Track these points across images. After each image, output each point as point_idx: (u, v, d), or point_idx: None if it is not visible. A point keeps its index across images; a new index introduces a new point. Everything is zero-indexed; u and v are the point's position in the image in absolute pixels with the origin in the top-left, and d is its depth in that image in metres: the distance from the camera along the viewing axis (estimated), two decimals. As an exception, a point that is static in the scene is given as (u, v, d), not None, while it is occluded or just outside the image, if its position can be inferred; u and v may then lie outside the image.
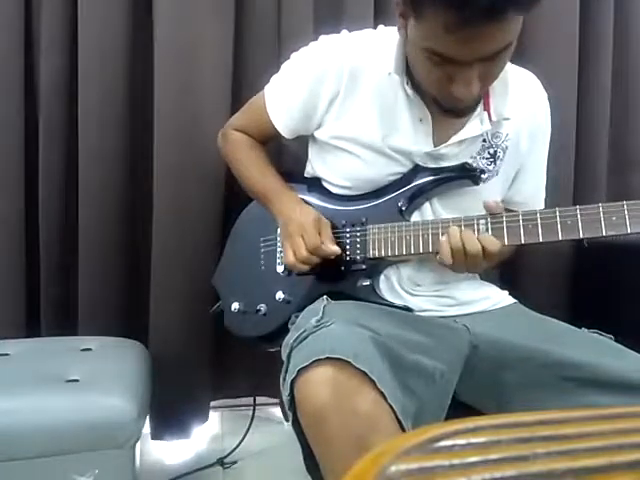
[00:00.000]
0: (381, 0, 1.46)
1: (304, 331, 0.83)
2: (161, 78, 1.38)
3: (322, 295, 0.99)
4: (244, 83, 1.46)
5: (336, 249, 1.01)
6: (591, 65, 1.58)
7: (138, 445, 1.09)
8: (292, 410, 0.78)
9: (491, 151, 1.03)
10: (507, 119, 1.02)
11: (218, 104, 1.43)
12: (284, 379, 0.81)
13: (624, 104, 1.64)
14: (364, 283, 1.02)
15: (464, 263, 0.91)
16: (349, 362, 0.73)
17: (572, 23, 1.54)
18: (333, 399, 0.71)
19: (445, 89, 0.90)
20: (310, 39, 1.07)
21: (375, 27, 1.07)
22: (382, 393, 0.73)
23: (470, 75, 0.85)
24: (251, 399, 1.46)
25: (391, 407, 0.74)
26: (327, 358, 0.73)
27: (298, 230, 1.01)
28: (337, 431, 0.71)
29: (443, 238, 0.93)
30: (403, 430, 0.74)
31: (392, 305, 1.01)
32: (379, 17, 1.45)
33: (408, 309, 1.01)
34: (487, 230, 0.92)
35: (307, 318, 0.89)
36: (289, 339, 0.86)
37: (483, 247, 0.89)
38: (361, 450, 0.69)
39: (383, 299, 1.02)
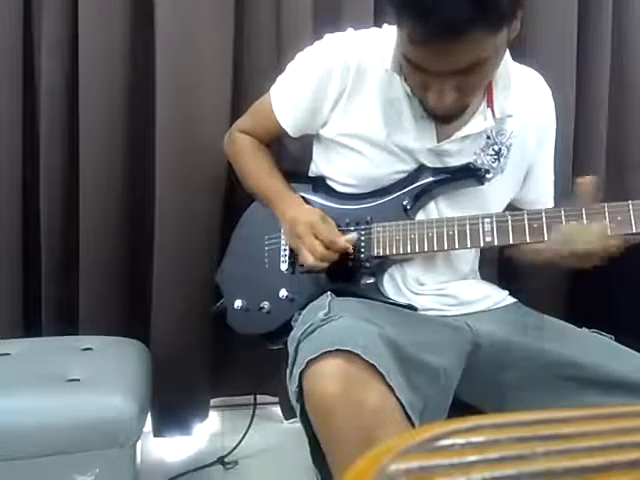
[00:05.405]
0: (380, 2, 1.46)
1: (312, 324, 0.83)
2: (161, 79, 1.38)
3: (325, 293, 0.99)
4: (244, 83, 1.46)
5: (352, 237, 1.01)
6: (589, 66, 1.57)
7: (139, 444, 1.10)
8: (300, 402, 0.78)
9: (495, 148, 1.04)
10: (510, 116, 1.02)
11: (218, 104, 1.42)
12: (291, 372, 0.82)
13: (623, 107, 1.63)
14: (368, 281, 1.03)
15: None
16: (358, 355, 0.73)
17: (570, 24, 1.54)
18: (342, 391, 0.72)
19: (423, 95, 0.92)
20: (310, 39, 1.08)
21: (375, 26, 1.07)
22: (390, 387, 0.74)
23: (442, 86, 0.87)
24: (252, 398, 1.46)
25: (399, 401, 0.74)
26: (337, 350, 0.74)
27: (308, 230, 1.00)
28: (345, 423, 0.71)
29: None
30: (412, 424, 0.75)
31: (396, 303, 1.01)
32: (379, 17, 1.44)
33: (412, 307, 1.01)
34: (492, 229, 0.91)
35: (313, 312, 0.90)
36: (296, 333, 0.86)
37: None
38: (369, 443, 0.70)
39: (387, 297, 1.02)
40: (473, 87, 0.91)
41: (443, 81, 0.86)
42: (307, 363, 0.75)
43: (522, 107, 1.03)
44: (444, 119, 0.98)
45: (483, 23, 0.78)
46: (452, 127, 1.00)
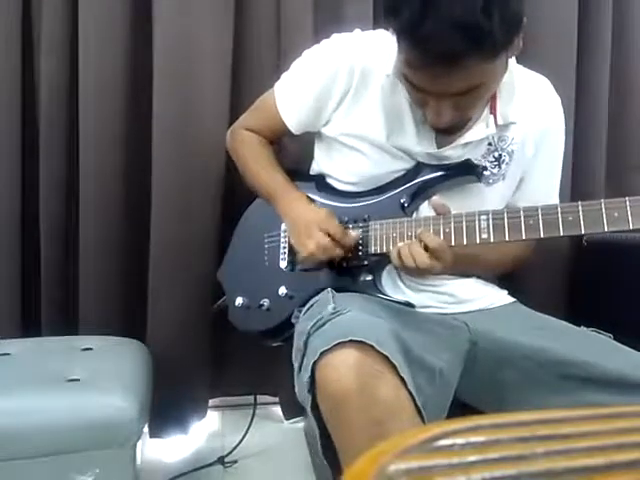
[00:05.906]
0: (380, 2, 1.46)
1: (321, 318, 0.84)
2: (160, 78, 1.38)
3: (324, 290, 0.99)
4: (243, 84, 1.46)
5: (357, 233, 1.02)
6: (589, 67, 1.57)
7: (139, 444, 1.10)
8: (311, 393, 0.78)
9: (496, 154, 1.03)
10: (513, 123, 1.02)
11: (217, 104, 1.42)
12: (300, 364, 0.82)
13: (622, 107, 1.63)
14: (366, 278, 1.03)
15: (412, 264, 0.90)
16: (371, 346, 0.73)
17: (570, 24, 1.54)
18: (356, 382, 0.72)
19: (422, 110, 0.94)
20: (310, 39, 1.08)
21: (374, 27, 1.07)
22: (402, 379, 0.74)
23: (440, 106, 0.88)
24: (252, 398, 1.46)
25: (410, 394, 0.74)
26: (350, 341, 0.74)
27: (314, 226, 1.01)
28: (358, 414, 0.71)
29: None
30: (422, 417, 0.75)
31: (394, 300, 1.01)
32: (378, 19, 1.44)
33: (410, 305, 1.01)
34: (488, 226, 0.91)
35: (320, 307, 0.90)
36: (305, 326, 0.86)
37: (426, 245, 0.89)
38: (381, 435, 0.70)
39: (385, 294, 1.02)
40: (473, 105, 0.92)
41: (440, 101, 0.87)
42: (320, 354, 0.75)
43: (525, 114, 1.03)
44: (445, 130, 0.99)
45: (478, 53, 0.79)
46: (453, 133, 1.00)
